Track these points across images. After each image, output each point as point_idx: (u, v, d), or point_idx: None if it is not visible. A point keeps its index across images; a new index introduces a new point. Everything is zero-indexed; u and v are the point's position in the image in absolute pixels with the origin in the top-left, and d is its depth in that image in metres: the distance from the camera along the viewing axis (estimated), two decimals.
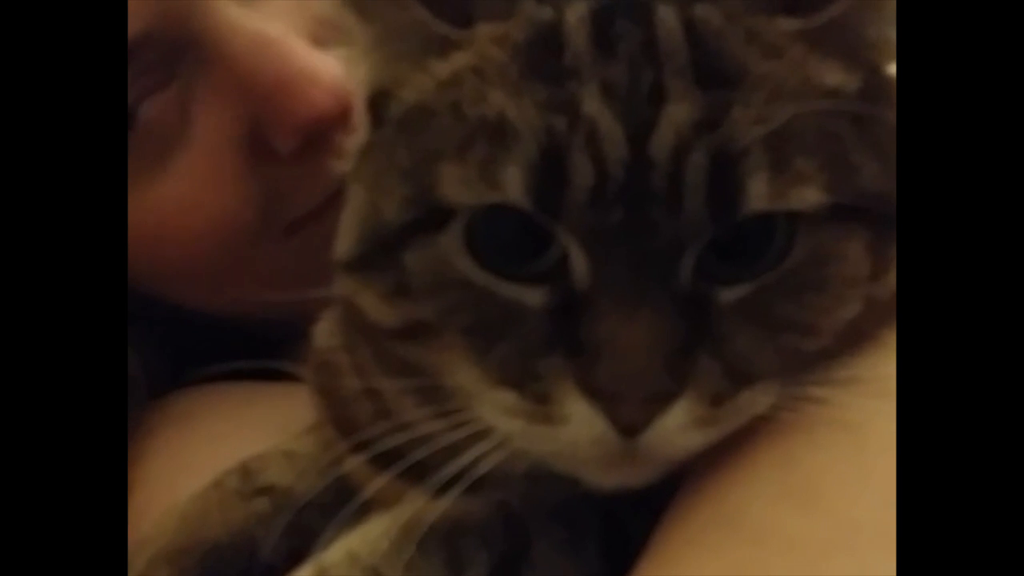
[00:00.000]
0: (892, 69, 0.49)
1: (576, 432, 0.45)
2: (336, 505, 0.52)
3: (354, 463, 0.56)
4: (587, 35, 0.45)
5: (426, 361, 0.50)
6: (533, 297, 0.46)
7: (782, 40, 0.45)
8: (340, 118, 0.59)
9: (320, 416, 0.62)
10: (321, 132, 0.63)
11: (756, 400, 0.46)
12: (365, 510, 0.52)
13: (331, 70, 0.65)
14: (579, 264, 0.46)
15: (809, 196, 0.44)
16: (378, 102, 0.52)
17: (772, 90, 0.45)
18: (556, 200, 0.45)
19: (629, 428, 0.45)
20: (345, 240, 0.52)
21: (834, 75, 0.47)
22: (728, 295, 0.45)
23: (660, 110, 0.44)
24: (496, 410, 0.48)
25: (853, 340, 0.47)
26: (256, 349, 0.60)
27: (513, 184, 0.45)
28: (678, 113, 0.44)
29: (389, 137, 0.51)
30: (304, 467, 0.61)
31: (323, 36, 0.70)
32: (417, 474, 0.49)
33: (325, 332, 0.60)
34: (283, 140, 0.68)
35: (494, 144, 0.45)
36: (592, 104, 0.45)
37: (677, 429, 0.45)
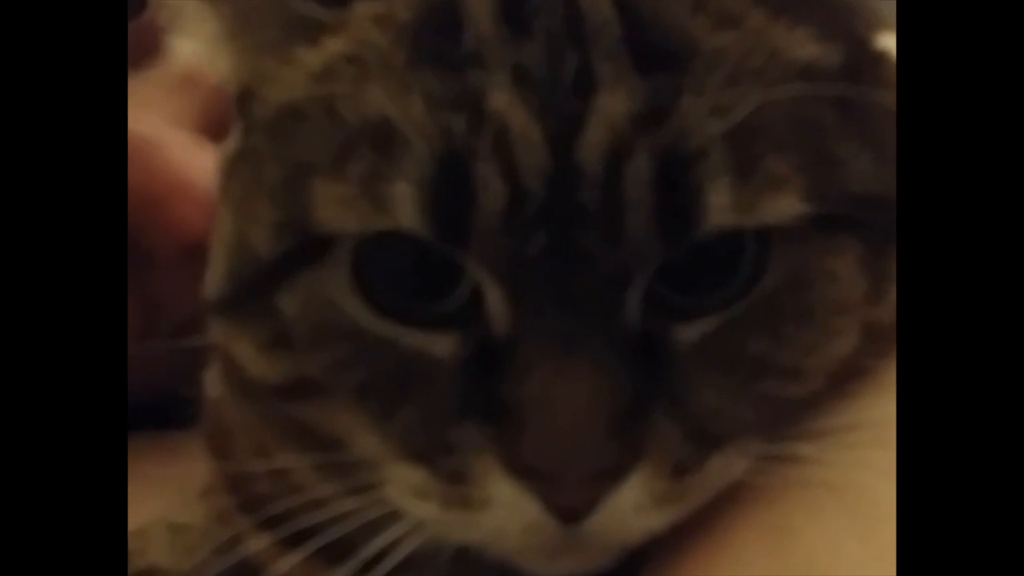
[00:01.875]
0: (882, 42, 0.42)
1: (502, 519, 0.38)
2: None
3: (257, 543, 0.48)
4: (492, 10, 0.37)
5: (322, 425, 0.42)
6: (440, 347, 0.38)
7: (738, 5, 0.38)
8: None
9: (214, 480, 0.53)
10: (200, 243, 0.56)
11: (729, 465, 0.38)
12: None
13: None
14: (496, 304, 0.37)
15: (784, 206, 0.37)
16: (243, 103, 0.43)
17: (730, 71, 0.36)
18: (460, 224, 0.36)
19: (569, 513, 0.37)
20: (214, 276, 0.44)
21: (807, 47, 0.39)
22: (687, 334, 0.38)
23: (589, 103, 0.36)
24: (403, 490, 0.39)
25: (849, 381, 0.39)
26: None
27: (404, 205, 0.37)
28: (612, 105, 0.36)
29: (257, 147, 0.42)
30: (193, 543, 0.53)
31: (213, 123, 0.64)
32: (332, 555, 0.42)
33: (214, 383, 0.51)
34: (158, 252, 0.64)
35: (378, 154, 0.37)
36: (500, 98, 0.36)
37: (631, 510, 0.37)
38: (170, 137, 0.64)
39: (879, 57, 0.42)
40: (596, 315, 0.36)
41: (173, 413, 0.55)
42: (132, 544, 0.53)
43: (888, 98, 0.39)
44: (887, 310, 0.39)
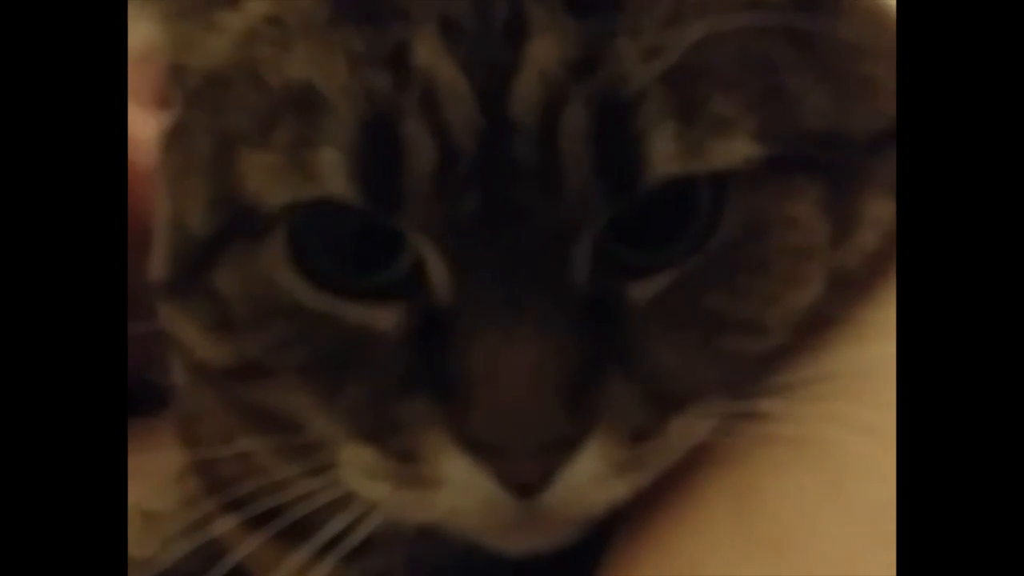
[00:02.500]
0: None
1: (456, 497, 0.36)
2: (204, 572, 0.44)
3: (224, 524, 0.47)
4: None
5: (275, 407, 0.40)
6: (383, 320, 0.37)
7: None
8: None
9: (184, 466, 0.51)
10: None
11: (691, 427, 0.36)
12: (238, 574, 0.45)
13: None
14: (437, 272, 0.35)
15: (735, 149, 0.35)
16: (174, 75, 0.41)
17: (671, 7, 0.34)
18: (392, 189, 0.35)
19: (525, 488, 0.35)
20: (156, 258, 0.42)
21: None
22: (640, 291, 0.36)
23: (520, 51, 0.34)
24: (354, 471, 0.38)
25: (816, 332, 0.37)
26: None
27: (332, 172, 0.35)
28: (545, 52, 0.34)
29: (188, 120, 0.40)
30: (166, 531, 0.52)
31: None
32: (295, 535, 0.40)
33: (177, 367, 0.49)
34: None
35: (303, 120, 0.35)
36: (426, 51, 0.34)
37: (589, 481, 0.35)
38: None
39: None
40: (540, 277, 0.34)
41: (142, 399, 0.53)
42: None
43: (842, 28, 0.37)
44: (852, 254, 0.37)
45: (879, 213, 0.37)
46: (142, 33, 0.42)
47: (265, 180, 0.36)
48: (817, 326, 0.37)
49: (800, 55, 0.36)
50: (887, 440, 0.33)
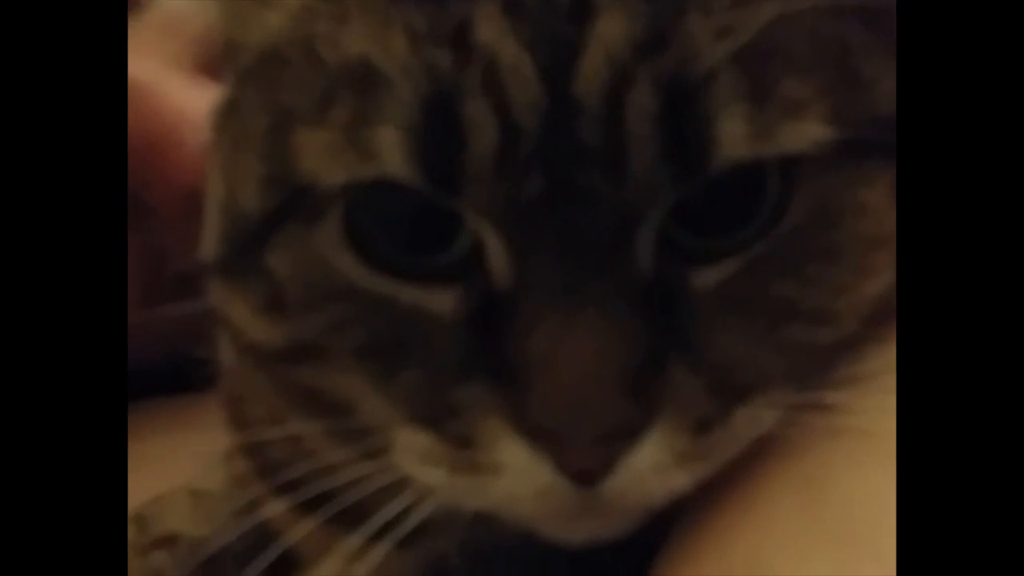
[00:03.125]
0: None
1: (514, 484, 0.35)
2: (253, 554, 0.44)
3: (274, 507, 0.46)
4: None
5: (327, 389, 0.39)
6: (440, 303, 0.36)
7: None
8: None
9: (232, 446, 0.51)
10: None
11: (756, 419, 0.35)
12: (287, 560, 0.45)
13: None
14: (496, 255, 0.35)
15: (807, 132, 0.34)
16: (228, 52, 0.40)
17: None
18: (452, 169, 0.34)
19: (584, 476, 0.34)
20: (208, 237, 0.42)
21: None
22: (704, 278, 0.35)
23: (585, 29, 0.33)
24: (409, 456, 0.37)
25: (886, 324, 0.36)
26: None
27: (391, 151, 0.34)
28: (611, 30, 0.33)
29: (242, 98, 0.40)
30: (215, 509, 0.51)
31: (208, 59, 0.63)
32: (347, 520, 0.40)
33: (225, 347, 0.49)
34: (157, 200, 0.63)
35: (361, 97, 0.34)
36: (489, 29, 0.33)
37: (651, 470, 0.34)
38: (165, 80, 0.62)
39: None
40: (603, 262, 0.33)
41: (190, 375, 0.53)
42: (152, 511, 0.52)
43: None
44: None
45: None
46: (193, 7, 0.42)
47: (321, 159, 0.35)
48: (886, 317, 0.36)
49: (874, 38, 0.35)
50: None
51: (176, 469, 0.55)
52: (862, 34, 0.35)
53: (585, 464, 0.34)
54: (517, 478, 0.35)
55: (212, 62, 0.61)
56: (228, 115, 0.41)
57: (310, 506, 0.42)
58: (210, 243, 0.41)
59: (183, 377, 0.53)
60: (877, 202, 0.35)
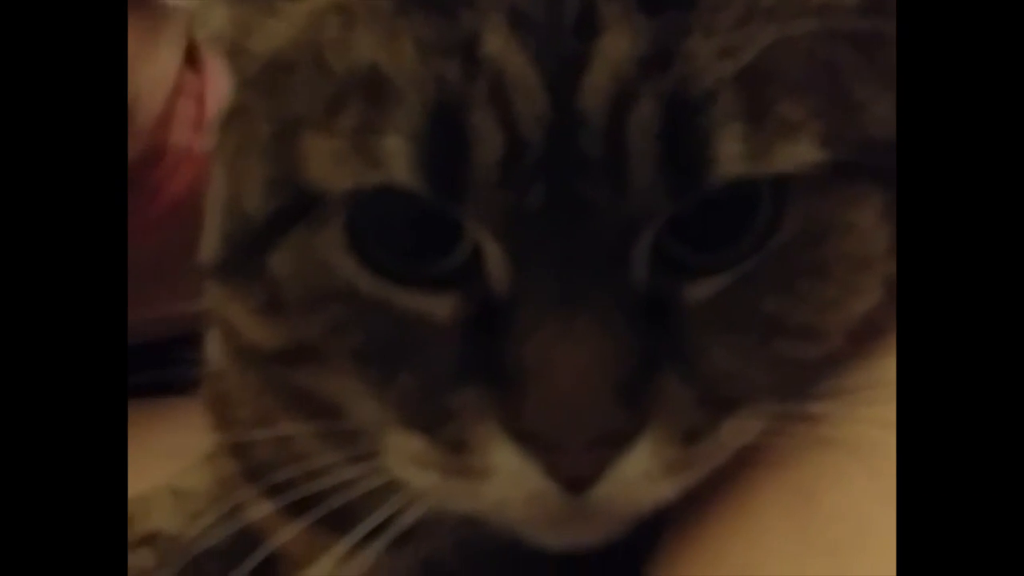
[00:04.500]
0: None
1: (505, 488, 0.36)
2: (238, 554, 0.44)
3: (260, 509, 0.47)
4: None
5: (321, 392, 0.40)
6: (438, 308, 0.36)
7: None
8: None
9: (217, 447, 0.51)
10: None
11: (743, 429, 0.36)
12: (272, 562, 0.45)
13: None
14: (495, 262, 0.35)
15: (800, 152, 0.34)
16: (233, 58, 0.41)
17: (741, 8, 0.34)
18: (456, 178, 0.34)
19: (575, 482, 0.35)
20: (209, 240, 0.42)
21: None
22: (697, 292, 0.35)
23: (591, 45, 0.34)
24: (401, 458, 0.37)
25: (871, 341, 0.37)
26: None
27: (397, 159, 0.34)
28: (616, 47, 0.33)
29: (247, 103, 0.40)
30: (197, 508, 0.51)
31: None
32: (335, 523, 0.40)
33: (215, 349, 0.49)
34: (149, 208, 0.64)
35: (368, 105, 0.35)
36: (496, 42, 0.34)
37: (639, 478, 0.35)
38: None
39: None
40: (600, 272, 0.34)
41: (173, 378, 0.53)
42: (135, 509, 0.52)
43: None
44: None
45: None
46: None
47: (327, 165, 0.36)
48: (872, 335, 0.37)
49: (866, 62, 0.36)
50: None
51: (155, 472, 0.55)
52: (854, 58, 0.36)
53: (576, 470, 0.34)
54: (508, 482, 0.35)
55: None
56: (233, 119, 0.41)
57: (297, 508, 0.42)
58: (210, 245, 0.42)
59: (161, 379, 0.53)
60: (866, 222, 0.36)
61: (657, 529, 0.38)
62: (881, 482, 0.34)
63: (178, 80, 0.69)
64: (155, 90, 0.67)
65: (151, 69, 0.67)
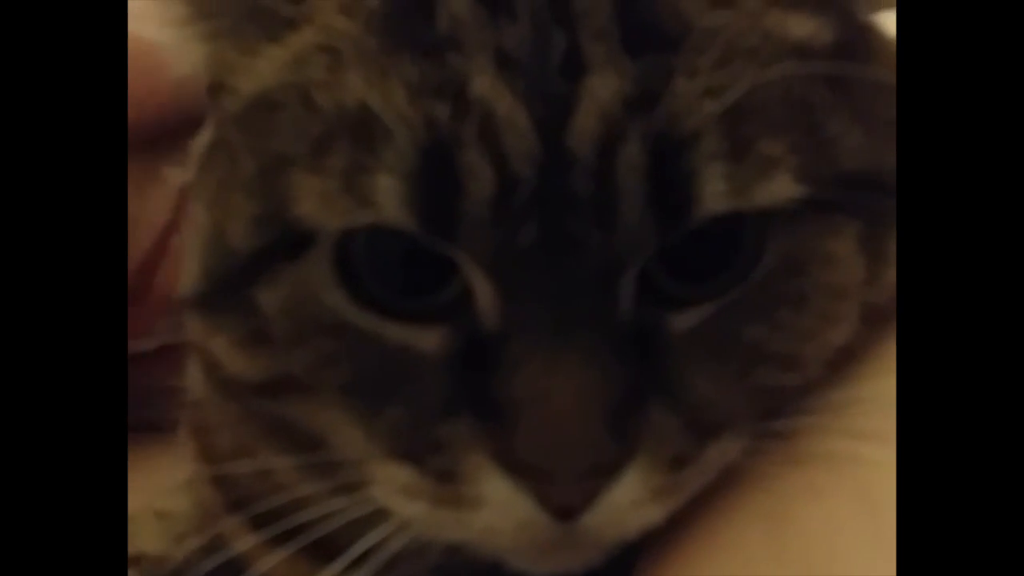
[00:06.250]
0: (870, 18, 0.40)
1: (494, 518, 0.36)
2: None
3: (245, 541, 0.47)
4: None
5: (305, 423, 0.40)
6: (428, 341, 0.37)
7: None
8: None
9: (199, 478, 0.51)
10: None
11: (726, 451, 0.37)
12: None
13: None
14: (485, 298, 0.36)
15: (779, 188, 0.35)
16: (214, 93, 0.41)
17: (723, 50, 0.35)
18: (448, 216, 0.35)
19: (565, 511, 0.35)
20: (190, 272, 0.42)
21: (802, 24, 0.37)
22: (682, 322, 0.36)
23: (578, 86, 0.34)
24: (390, 490, 0.38)
25: (846, 365, 0.38)
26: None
27: (388, 199, 0.35)
28: (603, 88, 0.34)
29: (230, 139, 0.40)
30: (180, 530, 0.51)
31: None
32: (319, 552, 0.40)
33: (194, 379, 0.49)
34: None
35: (358, 145, 0.35)
36: (484, 83, 0.34)
37: (628, 506, 0.36)
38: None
39: (867, 29, 0.40)
40: (588, 306, 0.35)
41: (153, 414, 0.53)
42: None
43: (877, 71, 0.38)
44: (882, 291, 0.38)
45: None
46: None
47: (316, 204, 0.36)
48: (847, 362, 0.38)
49: (837, 98, 0.37)
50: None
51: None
52: (826, 94, 0.37)
53: (566, 500, 0.35)
54: (498, 512, 0.36)
55: None
56: (215, 154, 0.41)
57: (281, 537, 0.42)
58: (189, 278, 0.42)
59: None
60: (843, 252, 0.37)
61: (635, 549, 0.38)
62: (857, 495, 0.35)
63: (173, 217, 0.67)
64: (145, 227, 0.66)
65: (143, 203, 0.66)
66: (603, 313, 0.35)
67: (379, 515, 0.39)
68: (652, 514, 0.36)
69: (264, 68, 0.38)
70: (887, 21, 0.41)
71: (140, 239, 0.66)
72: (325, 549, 0.40)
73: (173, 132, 0.57)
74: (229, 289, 0.39)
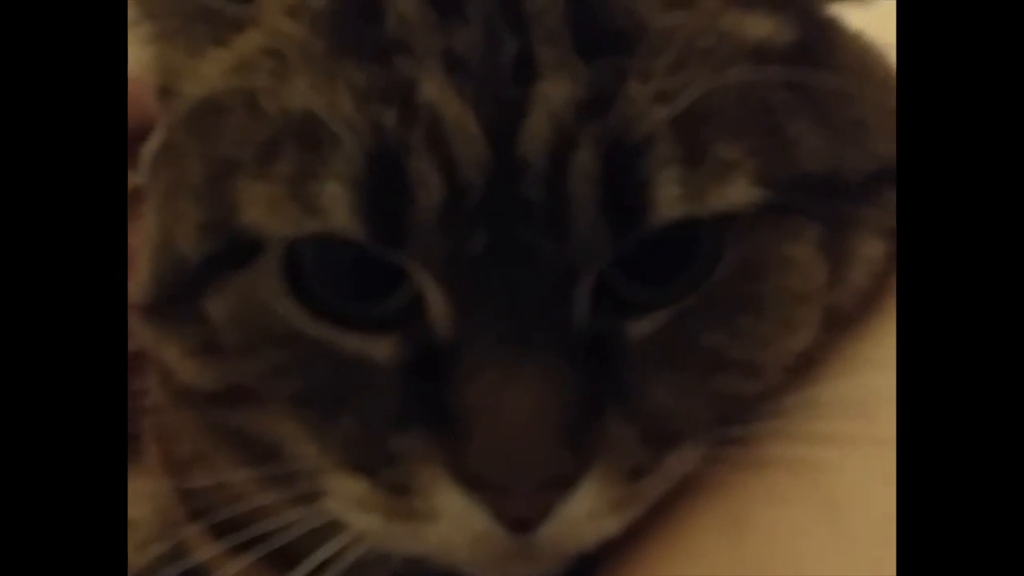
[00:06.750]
0: (830, 10, 0.39)
1: (449, 530, 0.36)
2: None
3: (206, 550, 0.46)
4: None
5: (260, 434, 0.39)
6: (379, 350, 0.36)
7: None
8: None
9: (160, 485, 0.51)
10: None
11: (685, 460, 0.36)
12: None
13: None
14: (437, 307, 0.35)
15: (736, 193, 0.35)
16: (162, 97, 0.40)
17: (678, 53, 0.34)
18: (397, 224, 0.34)
19: (520, 524, 0.35)
20: (140, 279, 0.41)
21: (760, 25, 0.36)
22: (639, 329, 0.36)
23: (529, 90, 0.34)
24: (344, 501, 0.37)
25: (808, 369, 0.37)
26: None
27: (336, 206, 0.34)
28: (554, 93, 0.34)
29: (178, 143, 0.39)
30: (142, 537, 0.50)
31: None
32: (277, 561, 0.40)
33: (154, 385, 0.48)
34: None
35: (305, 152, 0.35)
36: (432, 87, 0.34)
37: (585, 517, 0.35)
38: None
39: (828, 24, 0.39)
40: (542, 315, 0.34)
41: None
42: None
43: (838, 73, 0.37)
44: (845, 294, 0.37)
45: (871, 253, 0.38)
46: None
47: (263, 211, 0.35)
48: (807, 366, 0.37)
49: (796, 100, 0.36)
50: (881, 467, 0.33)
51: None
52: (785, 95, 0.36)
53: (522, 512, 0.34)
54: (453, 525, 0.35)
55: None
56: (163, 159, 0.40)
57: (241, 546, 0.42)
58: (139, 284, 0.41)
59: None
60: (803, 256, 0.36)
61: (595, 557, 0.38)
62: (816, 499, 0.35)
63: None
64: None
65: None
66: (558, 322, 0.34)
67: (339, 525, 0.38)
68: (610, 525, 0.36)
69: (210, 71, 0.38)
70: (848, 14, 0.40)
71: None
72: (286, 558, 0.39)
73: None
74: (179, 297, 0.39)
